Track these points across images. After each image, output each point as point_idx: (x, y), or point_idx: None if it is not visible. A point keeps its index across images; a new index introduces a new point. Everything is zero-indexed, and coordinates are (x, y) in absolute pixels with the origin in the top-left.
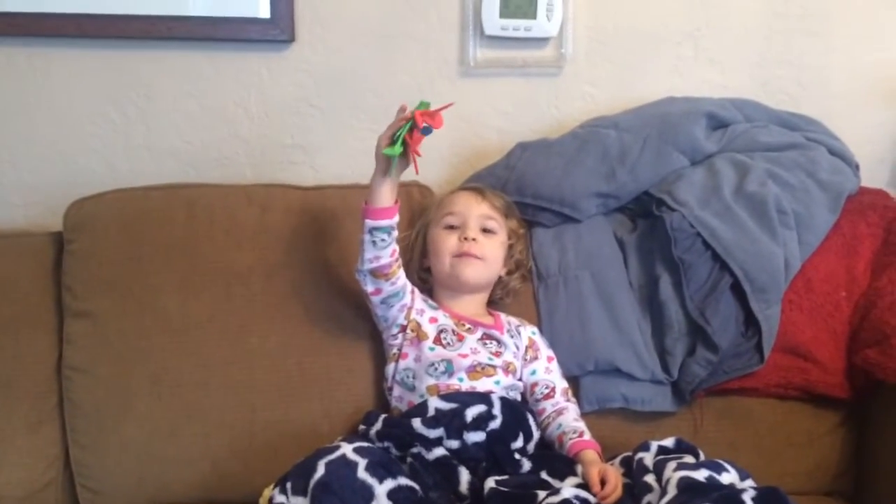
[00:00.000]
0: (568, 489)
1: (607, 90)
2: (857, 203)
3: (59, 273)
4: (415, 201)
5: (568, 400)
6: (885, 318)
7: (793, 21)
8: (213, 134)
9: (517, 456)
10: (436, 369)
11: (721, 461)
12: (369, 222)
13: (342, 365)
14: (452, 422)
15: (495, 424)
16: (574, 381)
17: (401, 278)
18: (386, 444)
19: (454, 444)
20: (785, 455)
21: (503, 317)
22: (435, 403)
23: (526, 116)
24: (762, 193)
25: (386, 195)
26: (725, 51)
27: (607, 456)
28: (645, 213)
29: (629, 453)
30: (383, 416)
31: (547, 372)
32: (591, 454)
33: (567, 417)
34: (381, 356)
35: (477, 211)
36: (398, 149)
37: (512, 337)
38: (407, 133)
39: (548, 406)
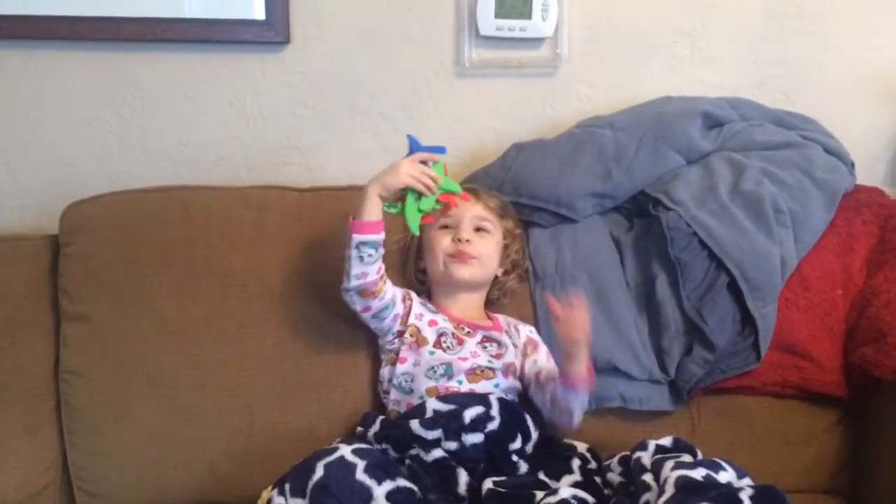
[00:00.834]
0: (566, 489)
1: (603, 90)
2: (853, 201)
3: (55, 276)
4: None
5: None
6: (882, 316)
7: (788, 20)
8: (209, 136)
9: (514, 458)
10: (435, 372)
11: (718, 460)
12: (357, 237)
13: (339, 366)
14: (450, 423)
15: (493, 426)
16: None
17: (388, 292)
18: (384, 445)
19: (452, 445)
20: (782, 453)
21: (501, 318)
22: (433, 405)
23: (522, 116)
24: (758, 192)
25: (377, 210)
26: (721, 50)
27: (605, 455)
28: (641, 213)
29: (627, 452)
30: (381, 417)
31: (548, 360)
32: None
33: None
34: (377, 358)
35: (471, 212)
36: (402, 208)
37: (510, 336)
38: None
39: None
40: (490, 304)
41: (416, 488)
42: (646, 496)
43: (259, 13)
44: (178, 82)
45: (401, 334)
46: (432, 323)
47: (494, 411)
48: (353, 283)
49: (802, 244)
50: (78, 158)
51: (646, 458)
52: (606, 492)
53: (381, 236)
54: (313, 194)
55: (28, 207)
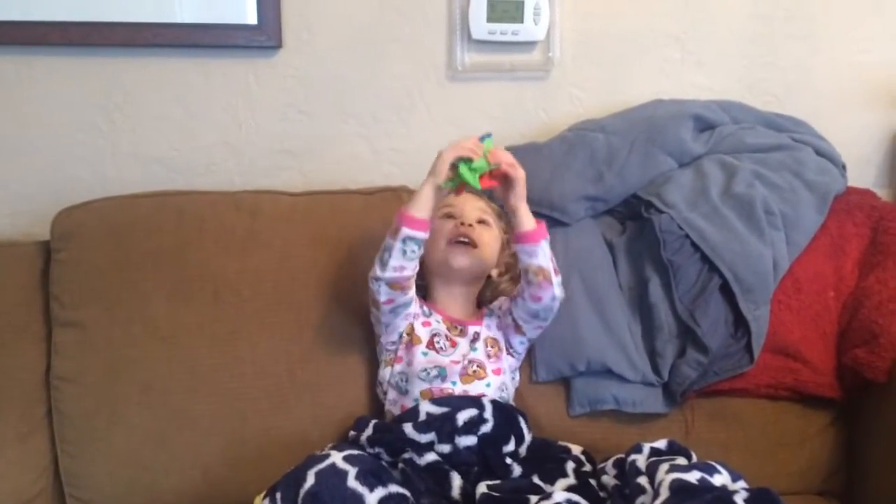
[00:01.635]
0: (560, 493)
1: (595, 93)
2: (845, 203)
3: (46, 282)
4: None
5: None
6: (873, 318)
7: (778, 23)
8: (201, 141)
9: (508, 460)
10: (428, 374)
11: (713, 462)
12: (407, 230)
13: (332, 371)
14: (444, 426)
15: (487, 428)
16: (565, 383)
17: (412, 289)
18: (377, 450)
19: (446, 448)
20: (776, 455)
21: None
22: (426, 408)
23: (514, 120)
24: (749, 194)
25: (430, 206)
26: (712, 53)
27: (600, 458)
28: (633, 216)
29: (622, 455)
30: (374, 421)
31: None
32: None
33: None
34: (372, 362)
35: (474, 204)
36: (456, 176)
37: (490, 316)
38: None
39: None
40: (481, 307)
41: (408, 494)
42: (641, 499)
43: (251, 18)
44: (169, 87)
45: (402, 334)
46: (426, 324)
47: (488, 413)
48: (389, 273)
49: (794, 246)
50: (69, 164)
51: (640, 460)
52: (601, 495)
53: (427, 235)
54: (306, 198)
55: (19, 213)
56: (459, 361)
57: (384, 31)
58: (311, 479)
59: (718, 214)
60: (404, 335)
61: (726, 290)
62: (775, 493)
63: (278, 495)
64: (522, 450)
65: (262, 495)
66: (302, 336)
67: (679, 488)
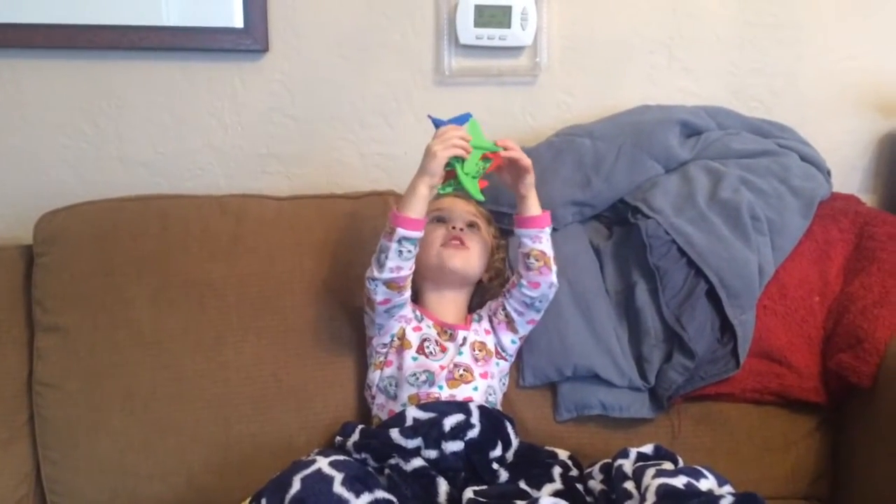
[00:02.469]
0: (546, 498)
1: (582, 99)
2: (830, 208)
3: (29, 287)
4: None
5: None
6: (858, 323)
7: (765, 30)
8: (187, 144)
9: (495, 465)
10: (417, 378)
11: (699, 467)
12: (402, 231)
13: (318, 376)
14: (430, 431)
15: (473, 433)
16: (552, 388)
17: (408, 290)
18: (363, 455)
19: (432, 453)
20: (762, 460)
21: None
22: (413, 413)
23: (501, 125)
24: (735, 200)
25: (424, 205)
26: (698, 59)
27: (587, 463)
28: (620, 221)
29: (608, 460)
30: (360, 427)
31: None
32: None
33: None
34: (359, 367)
35: (464, 208)
36: (455, 183)
37: (478, 321)
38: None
39: None
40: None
41: (394, 499)
42: None
43: (238, 21)
44: (155, 90)
45: (394, 337)
46: (417, 328)
47: (475, 419)
48: (387, 274)
49: (780, 251)
50: (53, 167)
51: (627, 465)
52: (588, 500)
53: (422, 234)
54: (292, 203)
55: (2, 217)
56: (446, 366)
57: (371, 36)
58: (296, 485)
59: (705, 220)
60: (395, 339)
61: (712, 296)
62: (761, 497)
63: (264, 501)
64: (510, 455)
65: (247, 501)
66: (288, 341)
67: (665, 493)
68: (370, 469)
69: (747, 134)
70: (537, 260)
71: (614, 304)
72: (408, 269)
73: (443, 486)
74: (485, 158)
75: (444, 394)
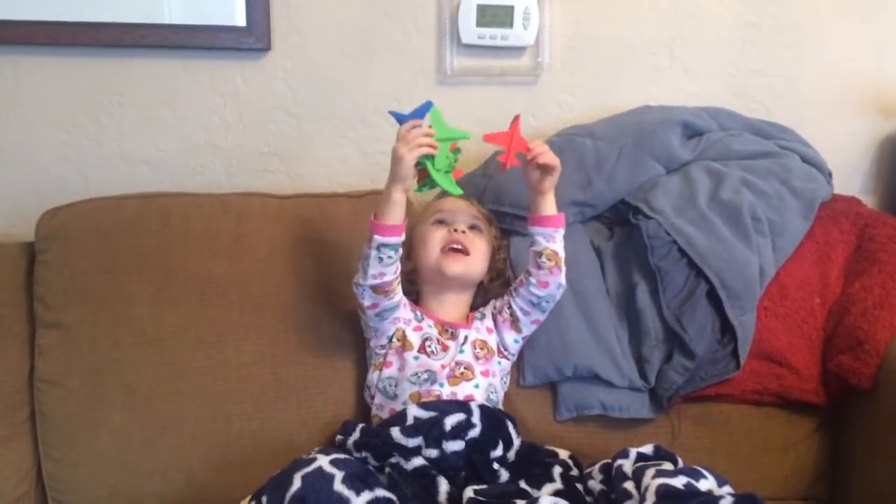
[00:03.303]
0: (546, 498)
1: (583, 99)
2: (830, 210)
3: (30, 283)
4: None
5: None
6: (859, 325)
7: (766, 31)
8: (188, 142)
9: (495, 465)
10: (418, 377)
11: (699, 468)
12: (378, 238)
13: (319, 374)
14: (431, 430)
15: (474, 433)
16: (552, 388)
17: (398, 293)
18: (364, 454)
19: (433, 453)
20: (761, 461)
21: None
22: (414, 412)
23: (503, 125)
24: (737, 201)
25: (400, 211)
26: (700, 60)
27: (587, 463)
28: (621, 222)
29: (608, 460)
30: (361, 425)
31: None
32: None
33: None
34: (359, 365)
35: (466, 211)
36: (430, 181)
37: (481, 319)
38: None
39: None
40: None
41: (395, 498)
42: None
43: (240, 19)
44: (157, 88)
45: (392, 338)
46: (417, 328)
47: (476, 418)
48: (370, 281)
49: (780, 253)
50: (55, 164)
51: (627, 465)
52: (588, 499)
53: (402, 238)
54: (294, 201)
55: (4, 214)
56: (448, 364)
57: (374, 35)
58: (297, 483)
59: (706, 221)
60: (395, 340)
61: (713, 296)
62: (761, 498)
63: (264, 499)
64: (511, 454)
65: (247, 499)
66: (288, 339)
67: (665, 493)
68: (371, 468)
69: (748, 135)
70: (549, 259)
71: (615, 305)
72: (391, 274)
73: (443, 485)
74: (454, 149)
75: (446, 391)
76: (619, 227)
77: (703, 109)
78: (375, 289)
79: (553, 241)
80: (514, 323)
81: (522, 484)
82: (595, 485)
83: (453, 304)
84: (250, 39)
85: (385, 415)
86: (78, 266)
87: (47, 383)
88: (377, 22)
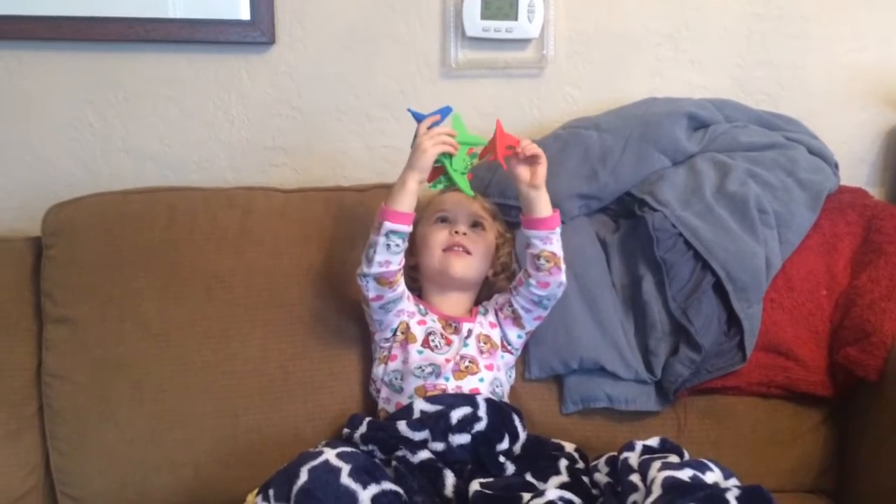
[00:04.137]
0: (553, 491)
1: (589, 91)
2: (837, 202)
3: (37, 279)
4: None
5: None
6: (865, 317)
7: (772, 22)
8: (193, 137)
9: (502, 458)
10: (423, 371)
11: (705, 460)
12: (389, 225)
13: (325, 368)
14: (437, 424)
15: (480, 426)
16: (558, 381)
17: (401, 285)
18: (370, 447)
19: (439, 446)
20: (768, 453)
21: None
22: (420, 406)
23: (507, 118)
24: (743, 193)
25: (412, 199)
26: (705, 51)
27: (593, 456)
28: (627, 214)
29: (614, 453)
30: (368, 419)
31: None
32: None
33: None
34: (365, 359)
35: (469, 208)
36: (447, 179)
37: (484, 314)
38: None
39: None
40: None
41: (401, 491)
42: (633, 497)
43: (244, 13)
44: (162, 83)
45: (396, 331)
46: (421, 322)
47: (482, 412)
48: (375, 269)
49: (787, 245)
50: (60, 160)
51: (633, 458)
52: (594, 492)
53: (411, 228)
54: (299, 195)
55: (10, 209)
56: (452, 359)
57: (378, 28)
58: (304, 476)
59: (712, 213)
60: (399, 333)
61: (719, 289)
62: (767, 490)
63: (271, 492)
64: (517, 447)
65: (254, 492)
66: (295, 333)
67: (671, 486)
68: (377, 461)
69: (755, 127)
70: (548, 261)
71: (621, 298)
72: (397, 263)
73: (449, 478)
74: (471, 153)
75: (451, 385)
76: (624, 219)
77: (708, 101)
78: (379, 279)
79: (549, 242)
80: (517, 320)
81: (528, 477)
82: (601, 477)
83: (456, 301)
84: (254, 33)
85: (391, 408)
86: (84, 261)
87: (55, 378)
88: (381, 15)
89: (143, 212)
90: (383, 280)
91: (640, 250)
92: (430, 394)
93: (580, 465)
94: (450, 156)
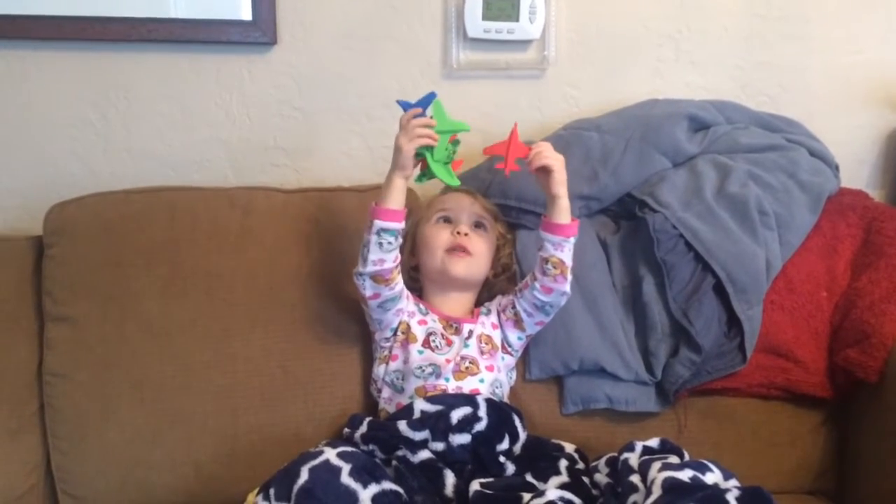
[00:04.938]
0: (553, 491)
1: (590, 92)
2: (838, 203)
3: (38, 278)
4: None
5: None
6: (865, 318)
7: (772, 23)
8: (195, 136)
9: (502, 459)
10: (423, 371)
11: (705, 461)
12: (379, 223)
13: (326, 368)
14: (438, 424)
15: (481, 426)
16: (558, 382)
17: (399, 283)
18: (371, 447)
19: (439, 446)
20: (768, 454)
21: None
22: (420, 406)
23: (509, 118)
24: (743, 194)
25: (400, 197)
26: (706, 53)
27: (593, 457)
28: (628, 215)
29: (614, 454)
30: (368, 419)
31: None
32: None
33: None
34: (365, 359)
35: (470, 208)
36: (429, 172)
37: (487, 314)
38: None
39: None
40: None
41: (402, 491)
42: (633, 497)
43: (246, 13)
44: (163, 83)
45: (396, 332)
46: (422, 322)
47: (482, 412)
48: (370, 268)
49: (787, 246)
50: (62, 159)
51: (633, 459)
52: (594, 493)
53: (402, 225)
54: (300, 195)
55: (11, 208)
56: (452, 359)
57: (379, 28)
58: (304, 476)
59: (712, 214)
60: (399, 333)
61: (720, 290)
62: (767, 491)
63: (272, 491)
64: (517, 448)
65: (255, 491)
66: (295, 333)
67: (671, 486)
68: (377, 461)
69: (755, 128)
70: (555, 267)
71: (621, 299)
72: (391, 261)
73: (450, 477)
74: (453, 140)
75: (451, 386)
76: (625, 220)
77: (709, 103)
78: (375, 277)
79: (561, 249)
80: (518, 322)
81: (529, 477)
82: (601, 478)
83: (457, 301)
84: (256, 33)
85: (392, 408)
86: (85, 260)
87: (56, 377)
88: (383, 16)
89: (144, 211)
90: (379, 278)
91: (641, 251)
92: (430, 394)
93: (580, 465)
94: (430, 148)
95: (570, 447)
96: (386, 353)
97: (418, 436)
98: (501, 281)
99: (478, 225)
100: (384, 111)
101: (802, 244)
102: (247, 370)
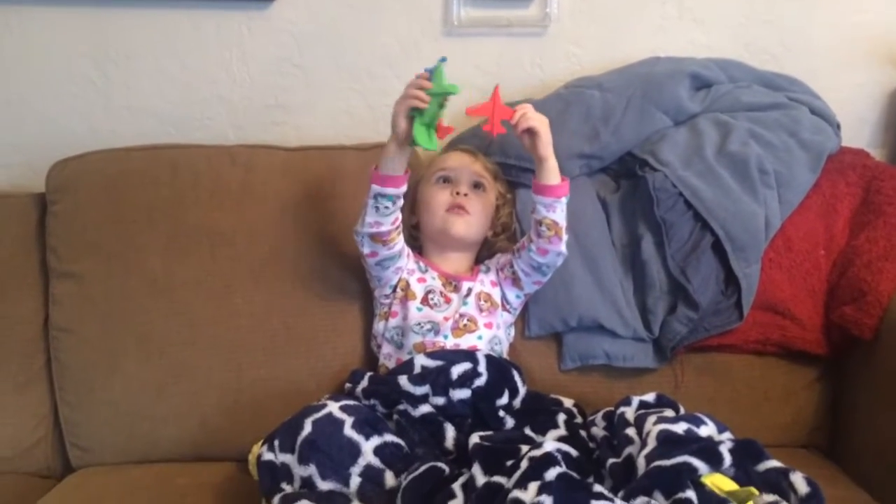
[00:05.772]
0: (550, 443)
1: (592, 50)
2: (838, 162)
3: (42, 234)
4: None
5: None
6: (862, 276)
7: None
8: (195, 94)
9: (501, 413)
10: (422, 328)
11: (700, 415)
12: (375, 188)
13: (328, 324)
14: (438, 379)
15: (480, 382)
16: (557, 339)
17: (398, 243)
18: (372, 401)
19: (440, 400)
20: (763, 409)
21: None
22: (421, 361)
23: (510, 76)
24: (744, 153)
25: (399, 163)
26: (709, 11)
27: (590, 411)
28: (628, 174)
29: (611, 408)
30: (369, 374)
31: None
32: None
33: None
34: (367, 315)
35: (470, 167)
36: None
37: (486, 272)
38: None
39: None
40: (478, 263)
41: (403, 443)
42: (628, 449)
43: None
44: (163, 40)
45: (396, 289)
46: (421, 280)
47: (482, 367)
48: (367, 229)
49: (787, 205)
50: (62, 116)
51: (629, 412)
52: (591, 445)
53: (400, 191)
54: (301, 154)
55: (14, 165)
56: (451, 317)
57: None
58: (308, 428)
59: (712, 173)
60: (399, 290)
61: (718, 248)
62: (760, 443)
63: (276, 443)
64: (516, 403)
65: (260, 443)
66: (297, 289)
67: (666, 438)
68: (379, 414)
69: (758, 87)
70: (549, 229)
71: (620, 257)
72: (388, 224)
73: (450, 431)
74: (442, 104)
75: (450, 343)
76: (625, 179)
77: (712, 61)
78: (373, 237)
79: (553, 210)
80: (516, 281)
81: (527, 430)
82: (598, 431)
83: (456, 260)
84: None
85: (392, 364)
86: (88, 217)
87: (62, 331)
88: None
89: (146, 169)
90: (377, 238)
91: (641, 210)
92: (429, 350)
93: (578, 419)
94: (421, 111)
95: (568, 402)
96: (385, 309)
97: (419, 390)
98: (501, 240)
99: (477, 185)
100: (385, 69)
101: (801, 203)
102: (250, 325)
